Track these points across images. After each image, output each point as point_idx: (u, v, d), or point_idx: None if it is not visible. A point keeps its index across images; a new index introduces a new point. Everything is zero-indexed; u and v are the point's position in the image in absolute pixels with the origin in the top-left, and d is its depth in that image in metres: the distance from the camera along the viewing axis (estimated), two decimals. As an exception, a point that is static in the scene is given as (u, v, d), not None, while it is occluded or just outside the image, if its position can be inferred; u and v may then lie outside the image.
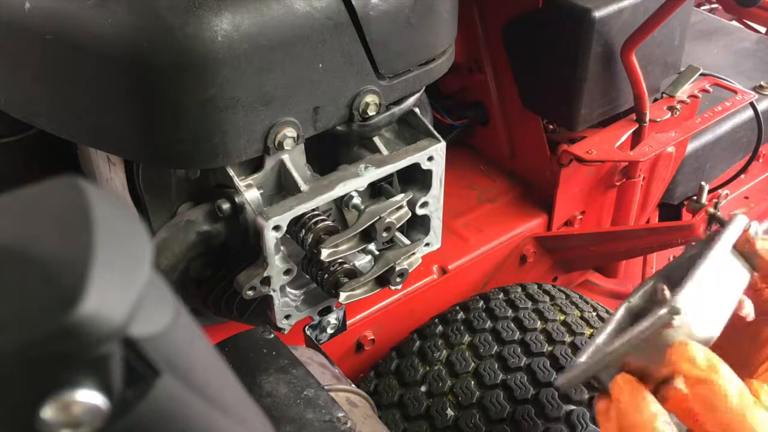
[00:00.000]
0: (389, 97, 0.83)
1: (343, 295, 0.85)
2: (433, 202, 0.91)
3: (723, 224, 0.66)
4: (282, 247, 0.80)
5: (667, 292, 0.64)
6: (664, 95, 1.39)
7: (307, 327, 0.97)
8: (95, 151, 0.89)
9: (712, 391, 0.55)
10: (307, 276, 0.88)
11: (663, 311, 0.57)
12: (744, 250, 0.65)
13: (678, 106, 1.36)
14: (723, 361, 0.56)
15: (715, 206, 1.34)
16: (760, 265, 0.64)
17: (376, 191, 0.89)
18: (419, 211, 0.90)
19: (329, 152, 0.88)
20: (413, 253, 0.90)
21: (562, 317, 1.14)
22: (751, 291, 0.66)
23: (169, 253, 0.80)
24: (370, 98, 0.81)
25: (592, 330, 1.11)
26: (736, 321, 0.68)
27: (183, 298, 0.31)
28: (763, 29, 2.02)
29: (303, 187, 0.80)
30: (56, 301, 0.24)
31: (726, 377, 0.55)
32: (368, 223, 0.82)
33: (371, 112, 0.81)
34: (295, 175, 0.80)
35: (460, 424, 1.04)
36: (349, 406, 0.79)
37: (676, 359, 0.56)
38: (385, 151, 0.86)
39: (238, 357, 0.72)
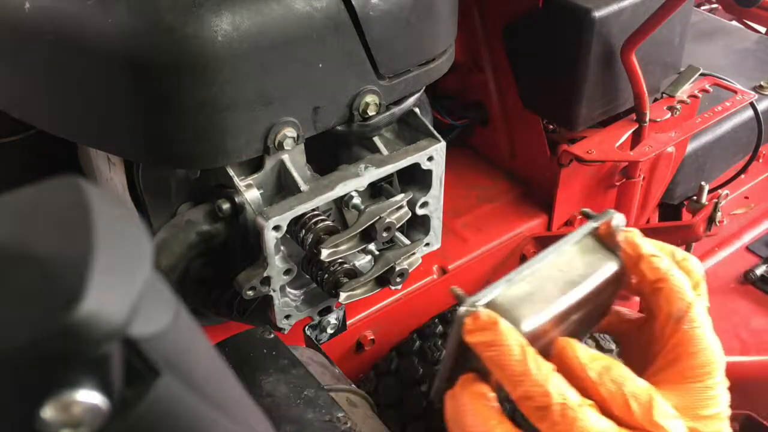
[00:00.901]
0: (389, 97, 0.83)
1: (343, 295, 0.85)
2: (433, 202, 0.91)
3: (589, 218, 0.66)
4: (282, 247, 0.80)
5: (460, 292, 0.65)
6: (664, 95, 1.39)
7: (307, 327, 0.97)
8: (95, 151, 0.89)
9: (500, 351, 0.55)
10: (307, 276, 0.88)
11: (459, 311, 0.57)
12: (608, 242, 0.65)
13: (678, 106, 1.36)
14: (503, 318, 0.57)
15: (715, 206, 1.34)
16: (623, 257, 0.65)
17: (376, 191, 0.89)
18: (419, 211, 0.90)
19: (329, 152, 0.88)
20: (413, 253, 0.90)
21: (562, 317, 1.14)
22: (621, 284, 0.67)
23: (169, 253, 0.80)
24: (370, 98, 0.81)
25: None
26: (633, 322, 0.68)
27: (183, 298, 0.31)
28: (763, 29, 2.02)
29: (303, 187, 0.80)
30: (56, 301, 0.24)
31: (507, 333, 0.56)
32: (368, 223, 0.82)
33: (371, 112, 0.81)
34: (295, 175, 0.80)
35: (460, 424, 1.04)
36: (349, 406, 0.79)
37: (464, 334, 0.57)
38: (385, 151, 0.86)
39: (238, 357, 0.72)
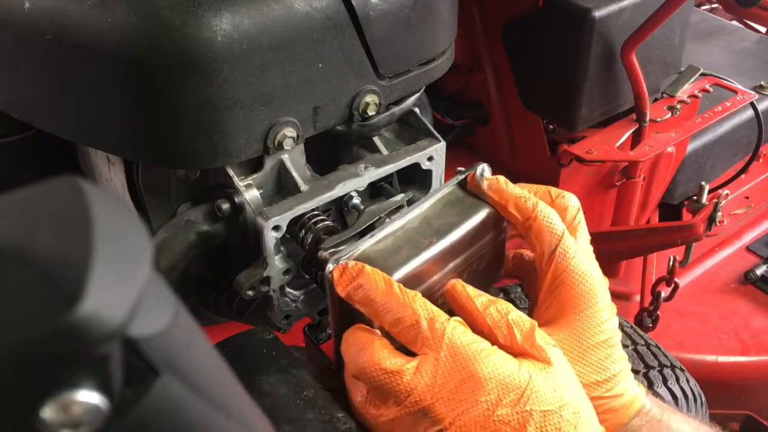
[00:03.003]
0: (389, 97, 0.83)
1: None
2: (433, 202, 0.91)
3: (460, 172, 0.68)
4: (282, 247, 0.80)
5: (326, 254, 0.66)
6: (664, 95, 1.40)
7: (307, 327, 0.97)
8: (95, 151, 0.89)
9: (366, 289, 0.57)
10: (307, 276, 0.88)
11: (327, 269, 0.59)
12: (477, 192, 0.67)
13: (678, 106, 1.36)
14: (366, 265, 0.59)
15: (716, 206, 1.34)
16: (493, 203, 0.66)
17: (376, 191, 0.89)
18: (419, 211, 0.90)
19: (329, 152, 0.88)
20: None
21: (562, 317, 1.14)
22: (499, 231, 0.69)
23: (169, 253, 0.80)
24: (370, 98, 0.81)
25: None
26: (531, 262, 0.70)
27: (183, 298, 0.31)
28: (763, 29, 2.02)
29: (303, 187, 0.80)
30: (56, 301, 0.24)
31: (371, 272, 0.58)
32: (368, 223, 0.82)
33: (371, 112, 0.81)
34: (295, 175, 0.80)
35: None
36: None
37: (335, 288, 0.59)
38: (385, 151, 0.86)
39: (238, 357, 0.72)
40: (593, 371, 0.61)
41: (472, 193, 0.67)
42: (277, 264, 0.80)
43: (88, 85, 0.72)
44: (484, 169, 0.67)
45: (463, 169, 0.69)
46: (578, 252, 0.64)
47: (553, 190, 0.68)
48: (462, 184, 0.68)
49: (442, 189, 0.67)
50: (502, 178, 0.67)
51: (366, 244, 0.61)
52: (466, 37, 1.35)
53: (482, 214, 0.66)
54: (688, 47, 1.38)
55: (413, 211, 0.65)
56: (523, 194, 0.65)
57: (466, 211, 0.65)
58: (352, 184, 0.82)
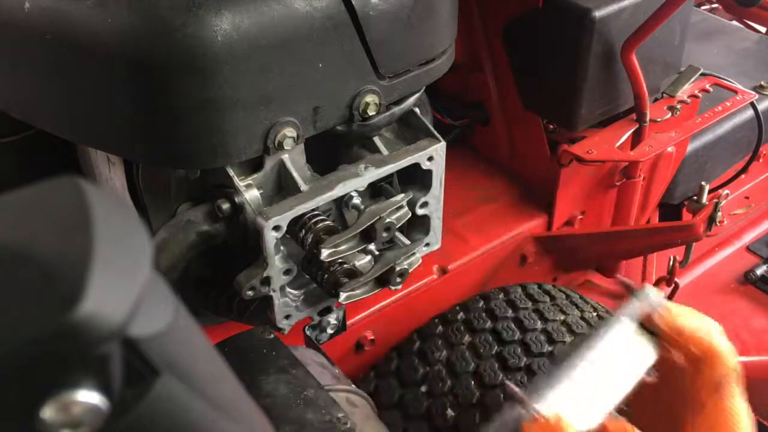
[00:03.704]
0: (389, 97, 0.83)
1: (343, 295, 0.85)
2: (433, 202, 0.91)
3: (631, 292, 0.68)
4: (282, 247, 0.80)
5: (516, 389, 0.67)
6: (664, 95, 1.39)
7: (307, 327, 0.97)
8: (95, 151, 0.89)
9: None
10: (307, 276, 0.88)
11: (519, 412, 0.60)
12: (647, 324, 0.67)
13: (678, 106, 1.36)
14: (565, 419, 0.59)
15: (716, 206, 1.34)
16: (664, 338, 0.66)
17: (376, 191, 0.89)
18: (419, 211, 0.90)
19: (329, 152, 0.88)
20: (413, 253, 0.90)
21: (563, 317, 1.14)
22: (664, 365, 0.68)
23: (169, 253, 0.80)
24: (370, 98, 0.81)
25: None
26: (656, 402, 0.70)
27: (183, 298, 0.31)
28: (763, 29, 2.01)
29: (303, 187, 0.80)
30: (56, 301, 0.24)
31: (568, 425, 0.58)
32: (368, 223, 0.82)
33: (371, 112, 0.81)
34: (295, 175, 0.80)
35: (460, 424, 1.04)
36: (349, 407, 0.79)
37: None
38: (385, 151, 0.86)
39: (238, 357, 0.72)
40: None
41: (641, 323, 0.68)
42: (277, 264, 0.80)
43: (88, 85, 0.72)
44: (655, 300, 0.67)
45: (630, 283, 0.69)
46: (741, 391, 0.64)
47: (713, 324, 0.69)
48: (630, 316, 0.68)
49: (614, 327, 0.67)
50: (673, 309, 0.67)
51: (556, 393, 0.62)
52: (466, 37, 1.34)
53: (652, 357, 0.67)
54: (688, 47, 1.38)
55: (593, 356, 0.65)
56: (700, 327, 0.66)
57: (641, 355, 0.66)
58: (352, 184, 0.82)
